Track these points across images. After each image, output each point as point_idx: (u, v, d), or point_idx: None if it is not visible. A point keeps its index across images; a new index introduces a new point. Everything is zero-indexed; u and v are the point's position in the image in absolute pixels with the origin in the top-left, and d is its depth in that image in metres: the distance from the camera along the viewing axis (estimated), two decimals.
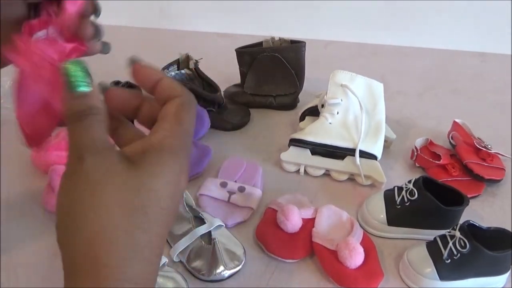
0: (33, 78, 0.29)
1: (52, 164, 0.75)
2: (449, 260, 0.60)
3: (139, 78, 0.31)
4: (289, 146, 0.84)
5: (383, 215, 0.70)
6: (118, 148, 0.29)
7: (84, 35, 0.32)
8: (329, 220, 0.69)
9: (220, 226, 0.68)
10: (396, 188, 0.71)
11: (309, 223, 0.68)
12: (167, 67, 0.90)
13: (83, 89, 0.26)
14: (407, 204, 0.68)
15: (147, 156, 0.26)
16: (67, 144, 0.26)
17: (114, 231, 0.24)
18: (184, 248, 0.65)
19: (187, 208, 0.71)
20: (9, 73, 0.34)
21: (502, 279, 0.62)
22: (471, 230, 0.59)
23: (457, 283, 0.60)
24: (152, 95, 0.31)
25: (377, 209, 0.71)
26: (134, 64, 0.31)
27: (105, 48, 0.36)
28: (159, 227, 0.26)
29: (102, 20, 0.35)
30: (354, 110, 0.82)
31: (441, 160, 0.80)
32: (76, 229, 0.24)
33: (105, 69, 0.92)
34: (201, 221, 0.68)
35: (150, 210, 0.25)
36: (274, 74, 0.97)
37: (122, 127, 0.32)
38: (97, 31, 0.33)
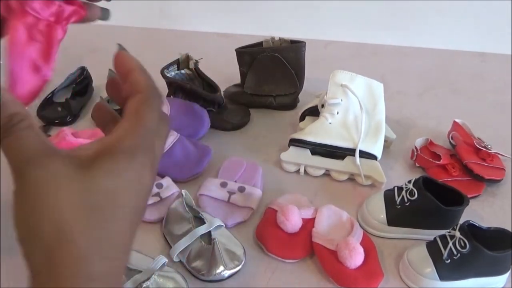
0: (24, 39, 0.29)
1: None
2: (449, 260, 0.60)
3: (116, 64, 0.30)
4: (289, 146, 0.84)
5: (383, 215, 0.70)
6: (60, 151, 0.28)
7: None
8: (329, 220, 0.69)
9: (220, 226, 0.67)
10: (396, 188, 0.71)
11: (309, 223, 0.68)
12: (167, 67, 0.90)
13: None
14: (407, 204, 0.68)
15: (98, 159, 0.26)
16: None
17: (70, 232, 0.24)
18: (184, 248, 0.65)
19: (187, 208, 0.70)
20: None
21: (502, 279, 0.62)
22: (471, 230, 0.59)
23: (457, 283, 0.60)
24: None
25: (377, 209, 0.71)
26: (119, 50, 0.30)
27: (105, 14, 0.34)
28: (118, 224, 0.26)
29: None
30: (354, 110, 0.82)
31: (441, 160, 0.80)
32: (33, 239, 0.25)
33: (105, 69, 0.92)
34: (201, 221, 0.68)
35: (105, 209, 0.25)
36: (274, 74, 0.97)
37: (113, 123, 0.31)
38: None
